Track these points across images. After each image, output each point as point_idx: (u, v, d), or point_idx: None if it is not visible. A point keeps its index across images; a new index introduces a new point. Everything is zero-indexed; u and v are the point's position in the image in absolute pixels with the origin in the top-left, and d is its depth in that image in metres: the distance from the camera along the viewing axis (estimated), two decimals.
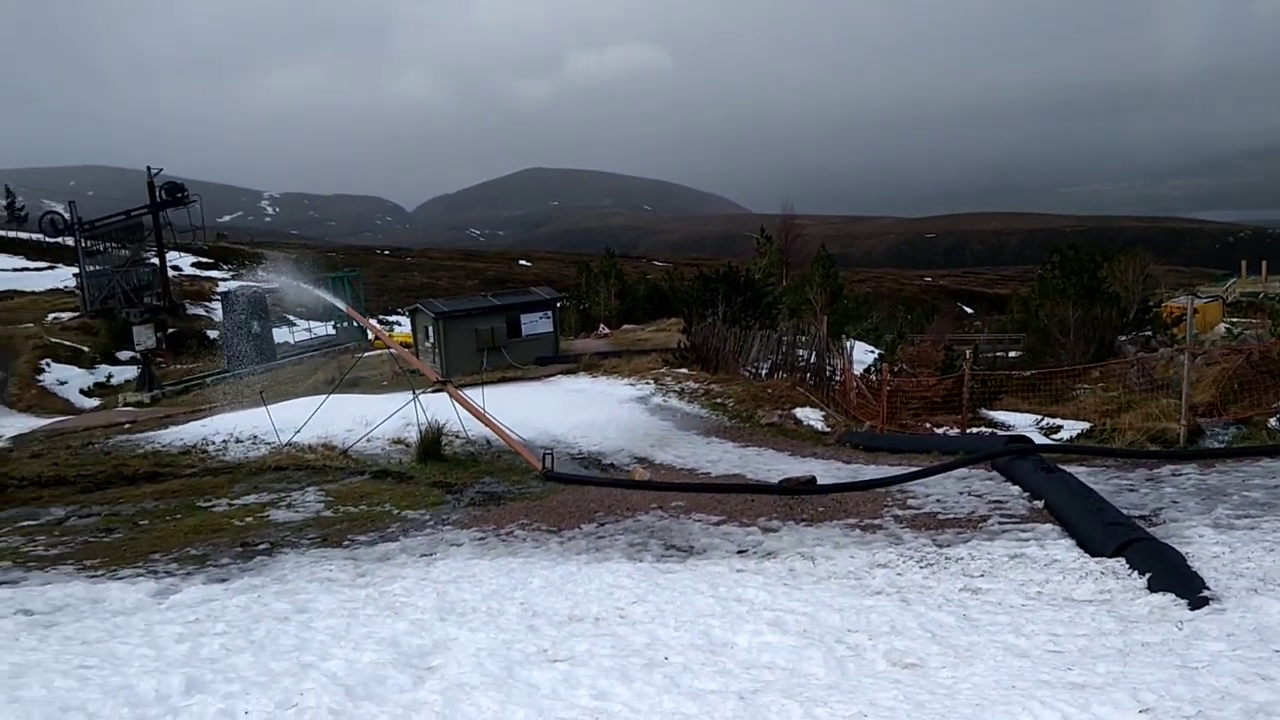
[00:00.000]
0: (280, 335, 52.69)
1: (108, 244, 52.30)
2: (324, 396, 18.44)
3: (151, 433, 20.21)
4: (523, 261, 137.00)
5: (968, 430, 20.25)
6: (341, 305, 25.86)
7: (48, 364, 49.03)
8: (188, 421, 23.26)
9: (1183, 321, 41.98)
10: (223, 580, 8.96)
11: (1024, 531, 9.21)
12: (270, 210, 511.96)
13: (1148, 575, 7.35)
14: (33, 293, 63.00)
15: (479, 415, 15.90)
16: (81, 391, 46.92)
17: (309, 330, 57.46)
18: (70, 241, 53.18)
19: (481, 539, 10.23)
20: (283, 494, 13.27)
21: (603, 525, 10.62)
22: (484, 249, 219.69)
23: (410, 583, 8.44)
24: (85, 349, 51.60)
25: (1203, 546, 8.04)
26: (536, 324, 34.73)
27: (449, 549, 9.84)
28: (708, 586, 7.89)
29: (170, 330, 58.46)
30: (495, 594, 7.97)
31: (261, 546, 10.36)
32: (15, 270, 70.45)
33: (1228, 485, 10.34)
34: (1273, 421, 19.23)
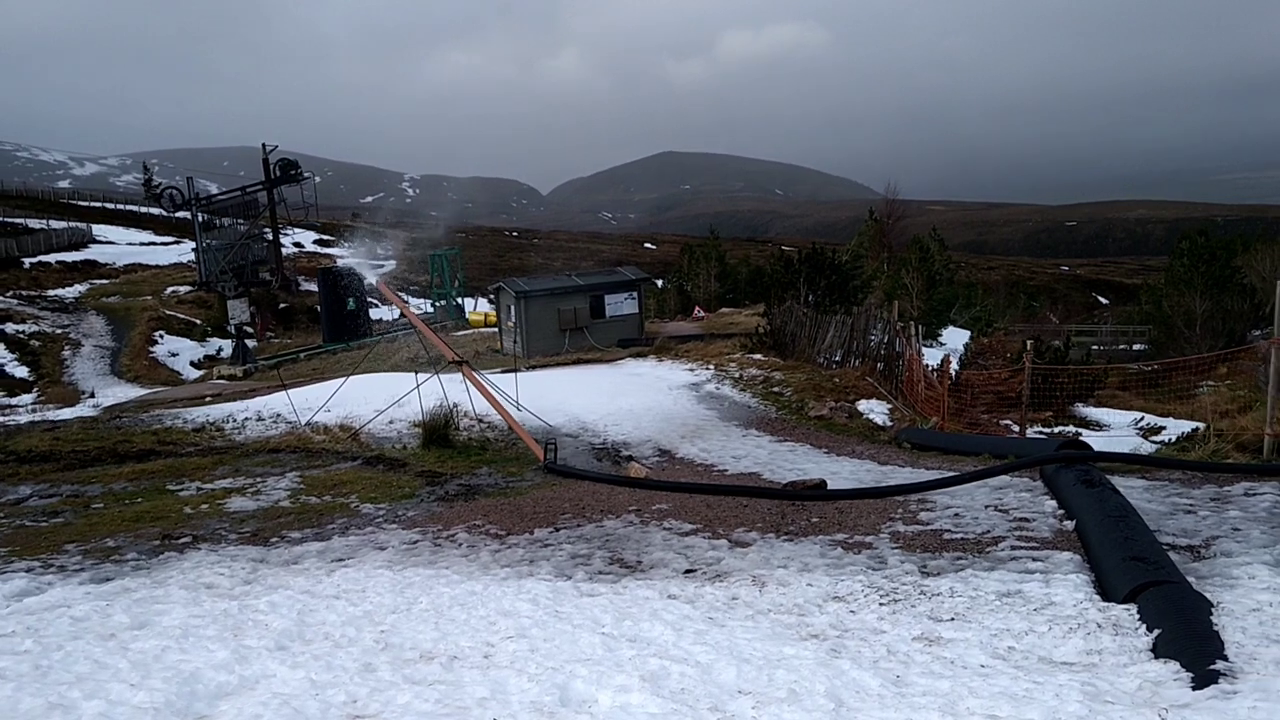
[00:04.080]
0: (379, 313, 52.88)
1: (226, 219, 53.34)
2: (343, 379, 17.59)
3: (194, 408, 19.72)
4: (648, 244, 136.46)
5: (1047, 430, 18.30)
6: (373, 280, 25.04)
7: (161, 336, 50.14)
8: (268, 395, 22.73)
9: None
10: (106, 580, 8.00)
11: (1035, 560, 7.56)
12: (410, 191, 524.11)
13: (1156, 633, 5.69)
14: (156, 266, 64.83)
15: (491, 399, 14.77)
16: (192, 364, 47.82)
17: (418, 308, 57.71)
18: (190, 216, 54.52)
19: (413, 543, 9.04)
20: (259, 479, 12.37)
21: (558, 531, 9.32)
22: (611, 231, 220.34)
23: (287, 595, 7.30)
24: (198, 322, 52.64)
25: (1247, 593, 6.32)
26: (621, 305, 33.54)
27: (369, 554, 8.68)
28: (613, 619, 6.52)
29: (281, 305, 59.54)
30: (364, 617, 6.77)
31: (182, 540, 9.40)
32: (143, 245, 72.78)
33: None
34: None
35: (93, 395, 37.30)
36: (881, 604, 6.71)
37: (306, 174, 55.02)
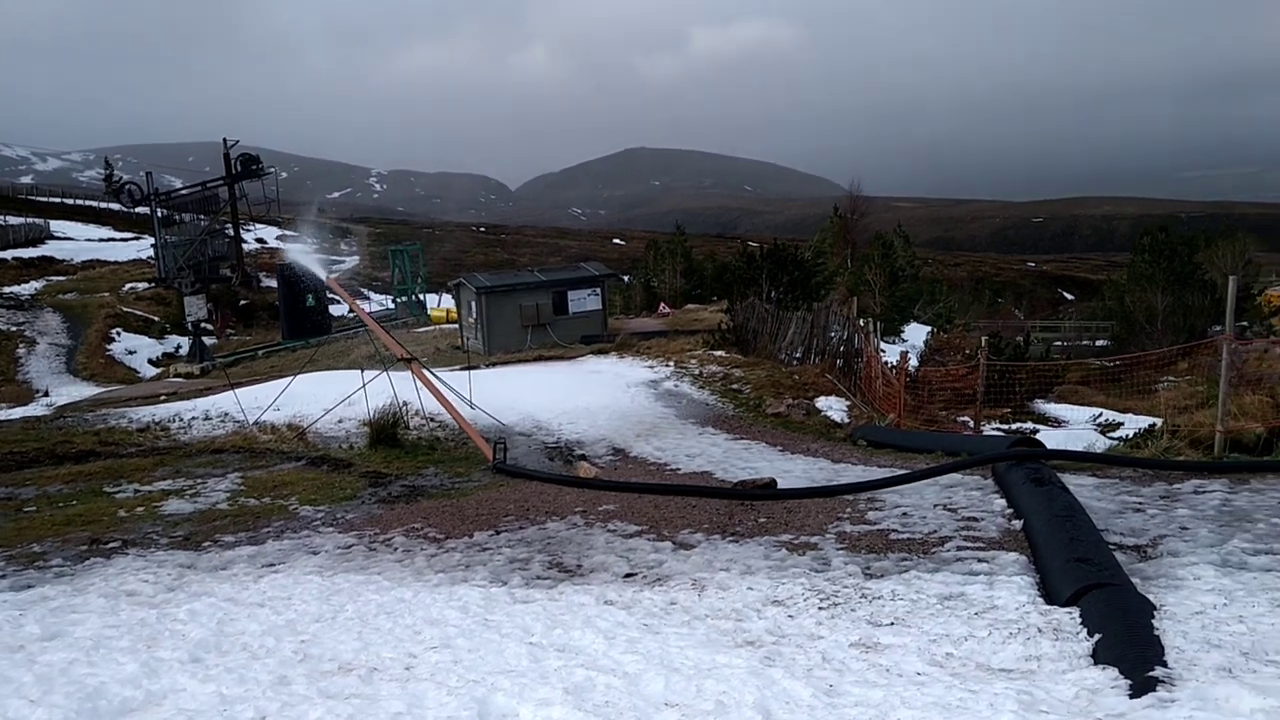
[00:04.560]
0: (341, 310, 52.32)
1: (186, 215, 52.56)
2: (290, 378, 17.26)
3: (141, 408, 19.32)
4: (616, 240, 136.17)
5: (1005, 426, 18.26)
6: (323, 276, 24.68)
7: (119, 333, 49.37)
8: (220, 394, 22.28)
9: None
10: (26, 587, 7.71)
11: (980, 561, 7.40)
12: (378, 187, 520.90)
13: (1097, 637, 5.54)
14: (115, 263, 63.88)
15: (440, 398, 14.50)
16: (150, 361, 47.11)
17: (380, 305, 57.08)
18: (148, 212, 53.73)
19: (348, 548, 8.78)
20: (200, 480, 12.06)
21: (499, 534, 9.08)
22: (580, 227, 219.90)
23: (209, 604, 7.04)
24: (156, 319, 51.90)
25: (1191, 594, 6.19)
26: (585, 301, 33.28)
27: (301, 559, 8.42)
28: (544, 627, 6.30)
29: (242, 302, 58.82)
30: (286, 626, 6.52)
31: (111, 545, 9.09)
32: (102, 241, 71.78)
33: (1258, 508, 8.32)
34: None
35: (46, 394, 36.65)
36: (821, 608, 6.54)
37: (268, 169, 54.38)
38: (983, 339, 20.04)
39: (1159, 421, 18.25)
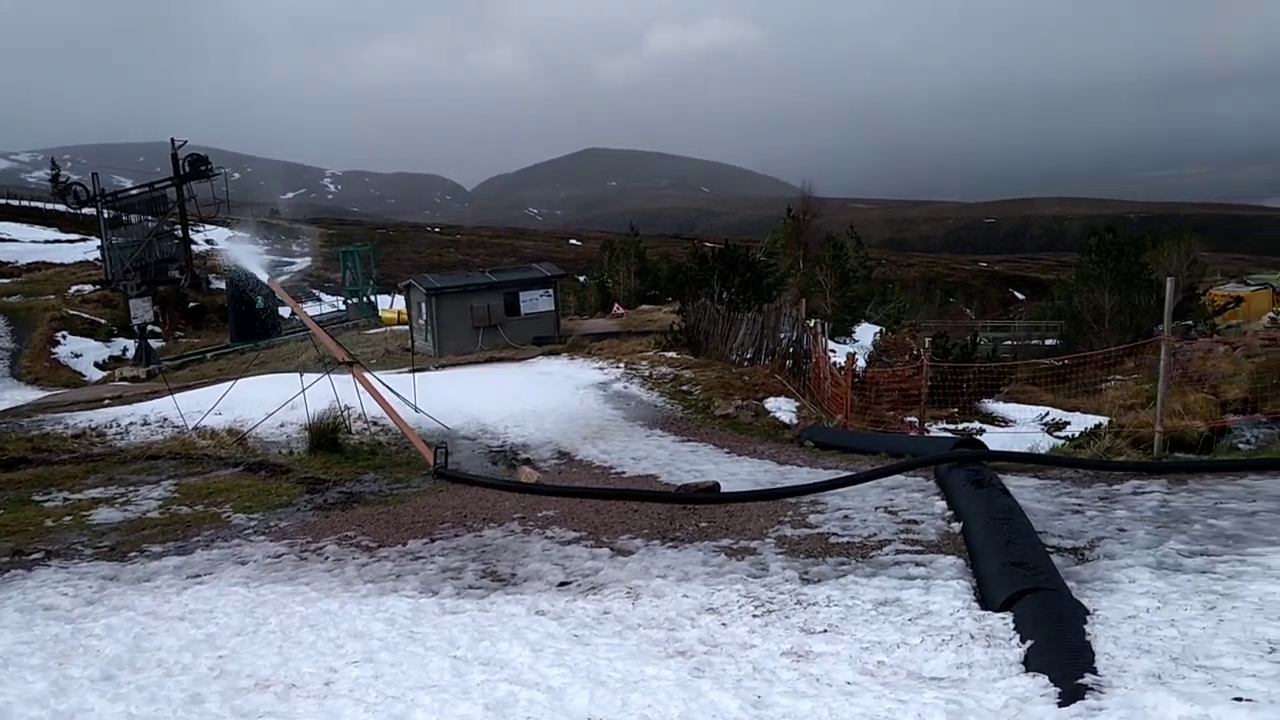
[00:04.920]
0: (289, 312, 51.68)
1: (134, 216, 51.68)
2: (230, 382, 16.94)
3: (79, 413, 18.88)
4: (573, 241, 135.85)
5: (951, 427, 18.32)
6: (264, 278, 24.34)
7: (64, 336, 48.44)
8: (164, 398, 21.83)
9: (1228, 310, 39.40)
10: None
11: (918, 565, 7.34)
12: (332, 188, 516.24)
13: (1029, 644, 5.48)
14: (61, 265, 62.75)
15: (381, 401, 14.28)
16: (96, 364, 46.29)
17: (331, 306, 56.44)
18: (95, 213, 52.81)
19: (278, 557, 8.57)
20: (133, 488, 11.76)
21: (434, 541, 8.90)
22: (537, 228, 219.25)
23: (128, 618, 6.83)
24: (102, 321, 50.99)
25: (1125, 598, 6.15)
26: (537, 302, 33.04)
27: (229, 569, 8.20)
28: (471, 639, 6.15)
29: (191, 304, 57.95)
30: (206, 640, 6.32)
31: (34, 556, 8.82)
32: (48, 242, 70.46)
33: (1194, 509, 8.34)
34: None
35: None
36: (755, 616, 6.43)
37: (217, 170, 53.64)
38: (925, 340, 20.07)
39: (1104, 420, 18.41)
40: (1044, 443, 16.44)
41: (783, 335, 20.84)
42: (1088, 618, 5.78)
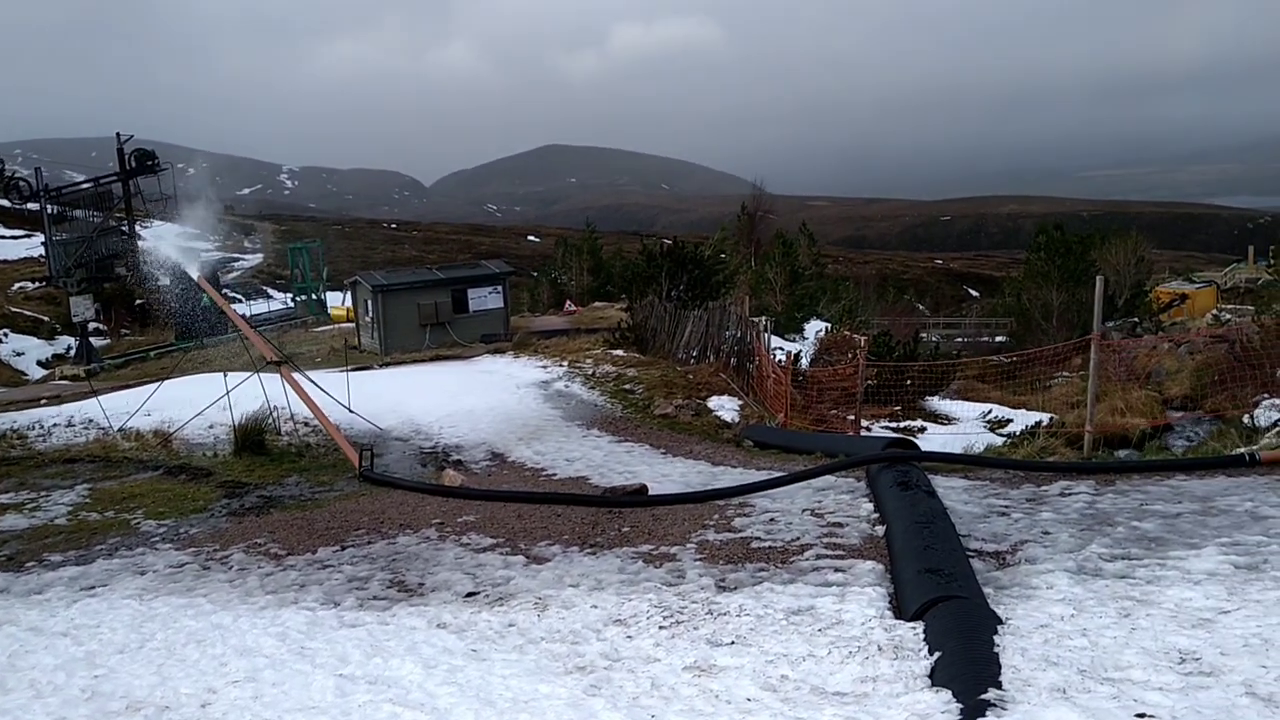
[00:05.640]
0: (241, 309, 50.92)
1: (80, 212, 50.68)
2: (156, 384, 16.51)
3: (8, 413, 18.35)
4: (531, 237, 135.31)
5: (893, 425, 18.24)
6: (194, 275, 23.88)
7: (6, 334, 47.56)
8: (99, 397, 21.28)
9: (1174, 307, 39.77)
10: None
11: (836, 571, 7.15)
12: (289, 184, 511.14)
13: (936, 655, 5.29)
14: (3, 261, 61.53)
15: (308, 401, 13.94)
16: (39, 363, 45.51)
17: (285, 303, 55.71)
18: (38, 208, 51.80)
19: (180, 566, 8.25)
20: (44, 493, 11.37)
21: (345, 549, 8.60)
22: (495, 224, 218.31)
23: (7, 634, 6.51)
24: (46, 319, 50.06)
25: (1041, 605, 6.00)
26: (486, 299, 32.69)
27: (126, 580, 7.87)
28: (362, 656, 5.87)
29: (138, 302, 56.98)
30: (85, 658, 6.00)
31: None
32: None
33: (1120, 510, 8.21)
34: (1246, 418, 17.18)
35: None
36: (662, 627, 6.21)
37: (164, 165, 52.74)
38: (860, 339, 19.98)
39: (1046, 417, 18.39)
40: (986, 441, 16.40)
41: (728, 333, 20.67)
42: (999, 627, 5.61)
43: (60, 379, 36.70)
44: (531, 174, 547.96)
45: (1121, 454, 13.81)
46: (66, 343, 46.73)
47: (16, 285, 54.90)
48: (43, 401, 24.36)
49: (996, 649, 5.27)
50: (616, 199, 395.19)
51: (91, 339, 43.66)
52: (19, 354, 46.08)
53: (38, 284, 54.16)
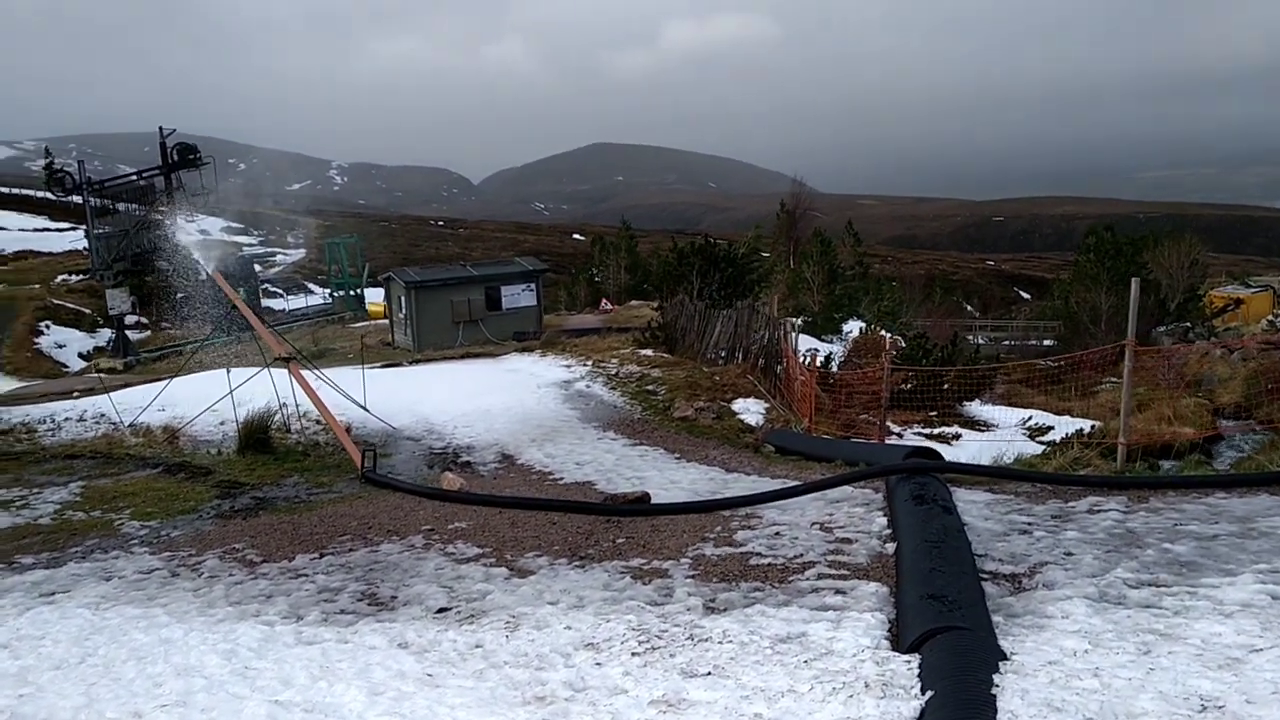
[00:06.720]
0: (280, 303, 51.14)
1: (123, 205, 51.07)
2: (165, 381, 16.24)
3: (15, 407, 18.25)
4: (576, 235, 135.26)
5: (927, 431, 17.62)
6: (209, 270, 23.64)
7: (48, 326, 48.05)
8: (134, 389, 21.16)
9: (1228, 312, 38.50)
10: None
11: (836, 594, 6.60)
12: (338, 180, 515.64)
13: (929, 695, 4.75)
14: (49, 253, 62.26)
15: (315, 400, 13.57)
16: (80, 355, 45.91)
17: (324, 299, 55.79)
18: (81, 201, 52.23)
19: (148, 573, 7.86)
20: (37, 490, 11.08)
21: (323, 557, 8.16)
22: (542, 222, 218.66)
23: None
24: (87, 311, 50.49)
25: (1052, 638, 5.42)
26: (519, 297, 32.37)
27: (89, 586, 7.48)
28: (308, 679, 5.42)
29: (179, 295, 57.33)
30: (16, 675, 5.60)
31: None
32: (35, 230, 69.99)
33: (1151, 530, 7.57)
34: None
35: None
36: (635, 654, 5.70)
37: (206, 159, 52.98)
38: (887, 340, 19.30)
39: (1087, 425, 17.64)
40: (1020, 449, 15.71)
41: (757, 333, 20.10)
42: (1002, 664, 5.04)
43: (97, 372, 36.90)
44: (579, 172, 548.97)
45: (1165, 465, 13.10)
46: (107, 335, 47.10)
47: (59, 277, 55.44)
48: (76, 393, 24.32)
49: (995, 689, 4.71)
50: (663, 197, 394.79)
51: (130, 332, 43.92)
52: (60, 346, 46.53)
53: (81, 276, 54.63)
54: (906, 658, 5.27)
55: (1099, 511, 8.37)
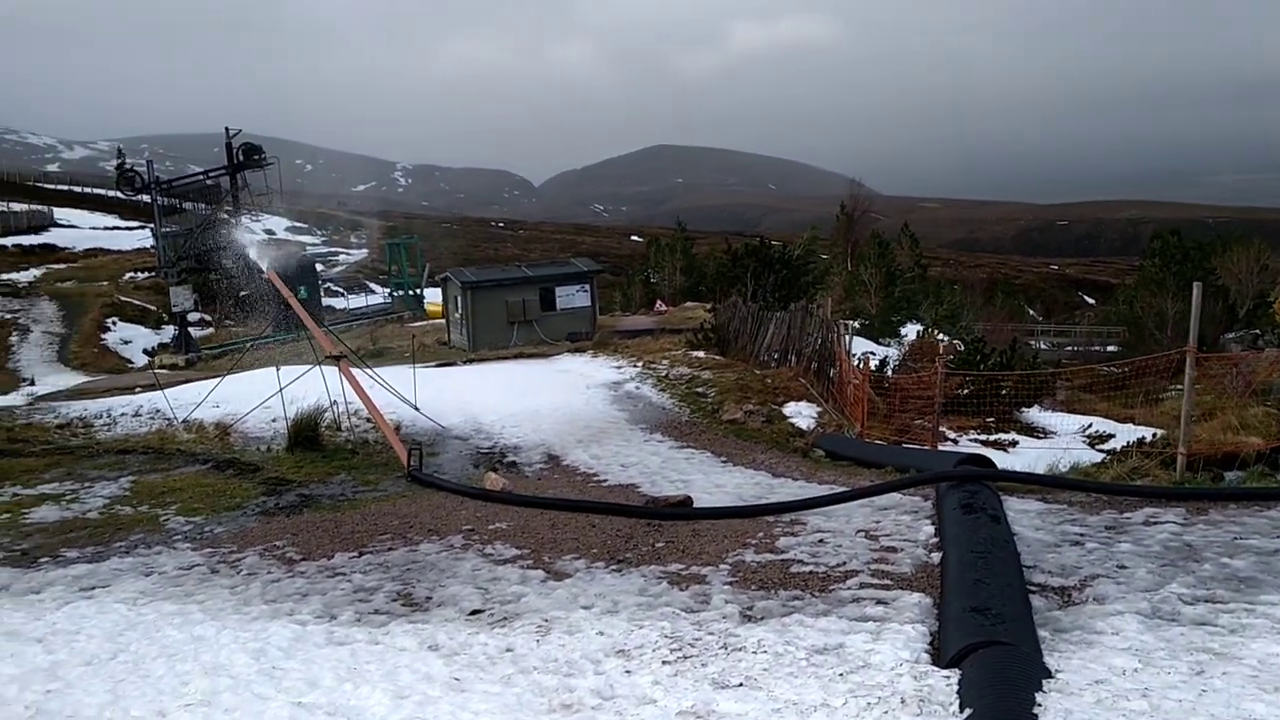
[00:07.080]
0: (340, 302, 51.72)
1: (189, 204, 51.99)
2: (219, 378, 16.40)
3: (75, 402, 18.60)
4: (634, 237, 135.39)
5: (984, 438, 17.26)
6: (264, 268, 23.87)
7: (114, 323, 48.94)
8: (196, 384, 21.43)
9: None
10: None
11: (878, 604, 6.42)
12: (403, 181, 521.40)
13: (967, 713, 4.57)
14: (118, 251, 63.53)
15: (364, 398, 13.61)
16: (145, 351, 46.69)
17: (385, 299, 56.35)
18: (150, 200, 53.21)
19: (188, 569, 7.88)
20: (88, 485, 11.22)
21: (362, 556, 8.14)
22: (601, 224, 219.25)
23: None
24: (153, 308, 51.40)
25: (1101, 655, 5.20)
26: (573, 297, 32.38)
27: (128, 581, 7.51)
28: (334, 680, 5.36)
29: (243, 293, 58.24)
30: (47, 670, 5.61)
31: None
32: (106, 229, 71.46)
33: (1209, 544, 7.28)
34: None
35: (32, 383, 36.23)
36: (667, 662, 5.57)
37: (270, 159, 53.74)
38: (941, 345, 18.95)
39: (1149, 433, 17.17)
40: (1082, 456, 15.32)
41: (811, 336, 19.86)
42: (1045, 682, 4.84)
43: (160, 368, 37.54)
44: (639, 174, 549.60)
45: (1229, 476, 12.69)
46: (171, 332, 47.93)
47: (127, 275, 56.52)
48: (138, 389, 24.75)
49: (1037, 709, 4.52)
50: (723, 199, 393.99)
51: (193, 329, 44.64)
52: (126, 342, 47.37)
53: (148, 274, 55.66)
54: (946, 673, 5.09)
55: (1155, 523, 8.08)
